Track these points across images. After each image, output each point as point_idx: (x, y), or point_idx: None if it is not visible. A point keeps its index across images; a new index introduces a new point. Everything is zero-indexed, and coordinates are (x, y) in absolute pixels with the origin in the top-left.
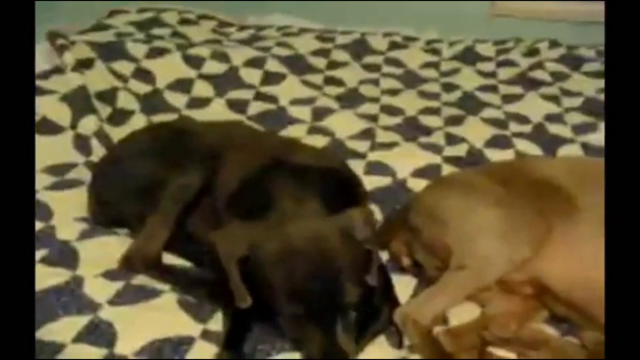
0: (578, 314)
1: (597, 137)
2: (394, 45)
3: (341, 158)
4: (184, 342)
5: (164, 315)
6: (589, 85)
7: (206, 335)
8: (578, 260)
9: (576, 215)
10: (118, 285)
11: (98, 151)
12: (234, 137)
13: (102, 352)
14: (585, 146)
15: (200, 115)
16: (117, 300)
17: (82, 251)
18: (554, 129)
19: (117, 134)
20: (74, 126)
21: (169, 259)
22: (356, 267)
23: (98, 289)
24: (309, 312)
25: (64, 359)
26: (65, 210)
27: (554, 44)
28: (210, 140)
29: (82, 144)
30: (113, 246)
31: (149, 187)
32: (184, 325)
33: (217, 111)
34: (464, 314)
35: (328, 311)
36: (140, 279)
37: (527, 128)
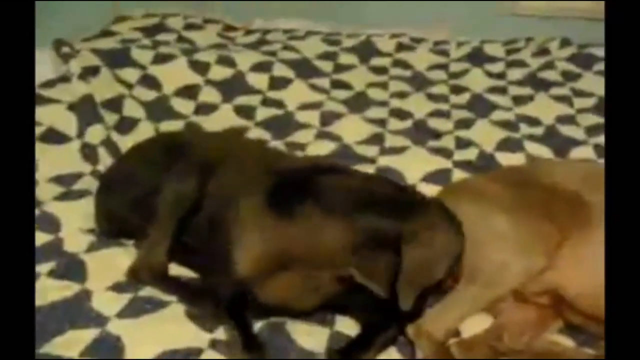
0: (595, 323)
1: None
2: (401, 47)
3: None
4: (192, 353)
5: (172, 327)
6: (601, 85)
7: (214, 345)
8: (594, 269)
9: (591, 222)
10: (126, 297)
11: (105, 160)
12: (228, 149)
13: None
14: (598, 148)
15: (207, 121)
16: (125, 313)
17: (90, 263)
18: (565, 130)
19: (124, 142)
20: (80, 135)
21: (177, 269)
22: None
23: (106, 302)
24: None
25: None
26: (72, 221)
27: (564, 42)
28: (206, 152)
29: (89, 153)
30: (121, 258)
31: (149, 198)
32: (191, 336)
33: (225, 117)
34: (476, 324)
35: None
36: (148, 291)
37: (538, 130)
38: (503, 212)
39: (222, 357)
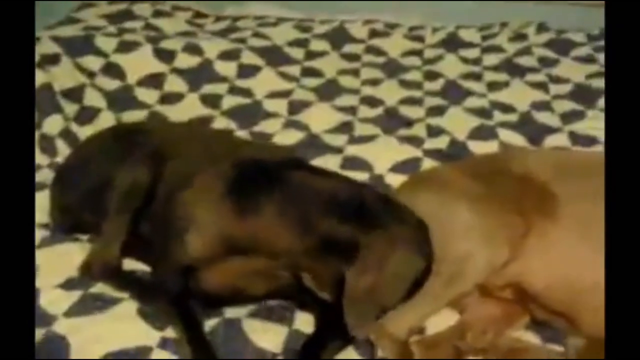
0: (560, 319)
1: (585, 126)
2: (374, 33)
3: (295, 153)
4: (142, 353)
5: (122, 325)
6: (578, 71)
7: (164, 344)
8: (558, 263)
9: (558, 213)
10: (76, 295)
11: (64, 152)
12: (185, 138)
13: None
14: (573, 135)
15: (172, 111)
16: (74, 311)
17: (41, 260)
18: (541, 117)
19: (84, 133)
20: (38, 126)
21: (135, 265)
22: None
23: (54, 301)
24: None
25: None
26: None
27: (541, 27)
28: (161, 141)
29: (46, 145)
30: (74, 254)
31: (103, 190)
32: (141, 334)
33: (190, 107)
34: (441, 321)
35: None
36: (100, 288)
37: (512, 117)
38: (466, 203)
39: (172, 357)
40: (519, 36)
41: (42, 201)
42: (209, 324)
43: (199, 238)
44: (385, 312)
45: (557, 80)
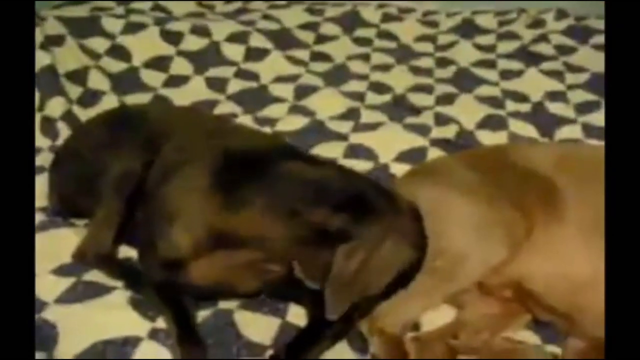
0: (560, 319)
1: (600, 117)
2: (388, 18)
3: (284, 141)
4: (129, 343)
5: (112, 314)
6: (596, 60)
7: (154, 334)
8: (559, 262)
9: (561, 210)
10: (69, 281)
11: (65, 135)
12: (177, 123)
13: (40, 355)
14: (587, 127)
15: (177, 94)
16: (65, 298)
17: (36, 245)
18: (554, 108)
19: (87, 115)
20: (41, 108)
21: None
22: None
23: (47, 287)
24: None
25: None
26: None
27: (560, 14)
28: (157, 125)
29: (48, 127)
30: (70, 239)
31: (97, 176)
32: (131, 324)
33: (195, 90)
34: (438, 317)
35: None
36: (93, 275)
37: (524, 107)
38: (466, 198)
39: (161, 348)
40: (537, 22)
41: (42, 184)
42: (201, 314)
43: (185, 232)
44: (364, 297)
45: (574, 69)
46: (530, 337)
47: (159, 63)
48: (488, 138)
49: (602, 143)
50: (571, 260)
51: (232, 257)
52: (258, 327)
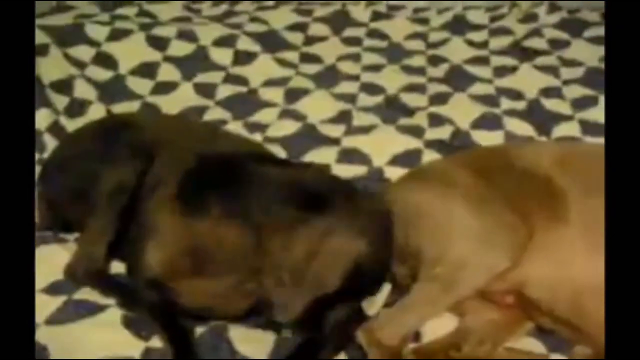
0: (563, 327)
1: (597, 113)
2: (377, 16)
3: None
4: None
5: (105, 334)
6: (592, 54)
7: (148, 353)
8: (561, 266)
9: (563, 212)
10: (59, 301)
11: (52, 147)
12: (167, 132)
13: None
14: (584, 124)
15: (165, 101)
16: (56, 318)
17: None
18: (550, 104)
19: (74, 126)
20: None
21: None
22: None
23: (37, 307)
24: None
25: None
26: None
27: (553, 7)
28: (149, 136)
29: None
30: (59, 255)
31: (87, 188)
32: (124, 344)
33: (184, 97)
34: (439, 326)
35: None
36: (85, 292)
37: (520, 105)
38: (465, 203)
39: None
40: (529, 16)
41: None
42: (196, 331)
43: (157, 252)
44: (318, 298)
45: (569, 63)
46: (536, 345)
47: (146, 70)
48: (484, 138)
49: (601, 140)
50: (574, 264)
51: (210, 285)
52: (253, 343)
